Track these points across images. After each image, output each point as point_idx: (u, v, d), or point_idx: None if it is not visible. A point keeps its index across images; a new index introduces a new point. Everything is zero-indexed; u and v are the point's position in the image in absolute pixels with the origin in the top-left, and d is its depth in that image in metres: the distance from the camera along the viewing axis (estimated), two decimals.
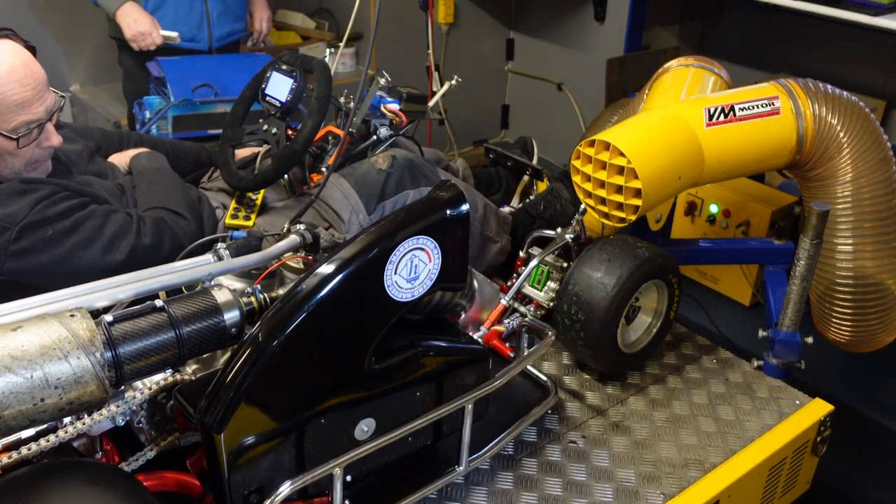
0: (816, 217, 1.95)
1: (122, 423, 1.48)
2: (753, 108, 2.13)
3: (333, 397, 1.43)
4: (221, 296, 1.40)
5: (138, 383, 1.46)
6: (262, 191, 2.04)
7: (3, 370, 1.12)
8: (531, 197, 2.50)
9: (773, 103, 2.15)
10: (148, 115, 2.55)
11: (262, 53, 3.07)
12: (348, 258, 1.36)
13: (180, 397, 1.42)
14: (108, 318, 1.28)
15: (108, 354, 1.24)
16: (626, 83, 3.96)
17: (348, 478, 1.49)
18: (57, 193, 1.69)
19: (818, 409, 1.98)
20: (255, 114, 2.15)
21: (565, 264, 2.06)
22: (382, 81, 2.19)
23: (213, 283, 1.51)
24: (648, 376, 2.09)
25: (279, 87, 2.03)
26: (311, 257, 1.67)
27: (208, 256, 1.57)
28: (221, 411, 1.31)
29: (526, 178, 2.58)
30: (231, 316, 1.39)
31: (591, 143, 2.01)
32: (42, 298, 1.36)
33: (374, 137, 2.17)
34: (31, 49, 1.79)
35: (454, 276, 1.53)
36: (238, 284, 1.61)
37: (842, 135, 2.15)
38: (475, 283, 1.85)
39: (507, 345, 1.96)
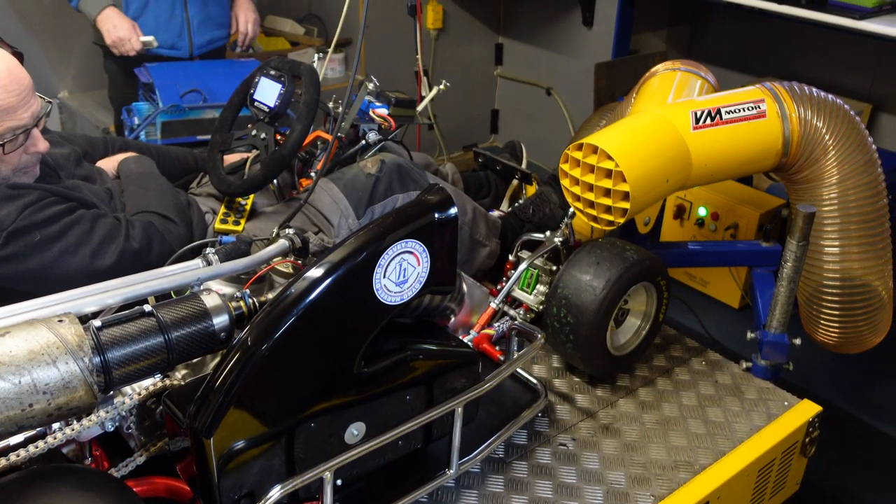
0: (802, 219, 1.96)
1: (112, 429, 1.47)
2: (739, 111, 2.14)
3: (323, 401, 1.43)
4: (210, 300, 1.40)
5: (127, 389, 1.45)
6: (251, 196, 2.04)
7: None
8: (520, 201, 2.51)
9: (759, 106, 2.16)
10: (137, 121, 2.55)
11: (251, 59, 3.08)
12: (337, 262, 1.36)
13: (170, 402, 1.42)
14: (97, 323, 1.28)
15: (97, 359, 1.24)
16: (615, 87, 3.98)
17: (339, 482, 1.49)
18: (45, 199, 1.69)
19: (807, 410, 1.99)
20: (244, 119, 2.15)
21: (554, 268, 2.07)
22: (371, 86, 2.20)
23: (201, 287, 1.50)
24: (638, 379, 2.10)
25: (268, 92, 2.03)
26: (300, 261, 1.67)
27: (197, 261, 1.57)
28: (211, 416, 1.31)
29: (515, 182, 2.59)
30: (220, 320, 1.39)
31: (580, 147, 2.02)
32: (30, 304, 1.36)
33: (363, 142, 2.18)
34: (18, 55, 1.80)
35: (443, 279, 1.54)
36: (227, 289, 1.61)
37: (827, 137, 2.17)
38: (464, 286, 1.86)
39: (497, 348, 1.96)
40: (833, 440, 2.24)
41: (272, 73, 2.04)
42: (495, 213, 2.43)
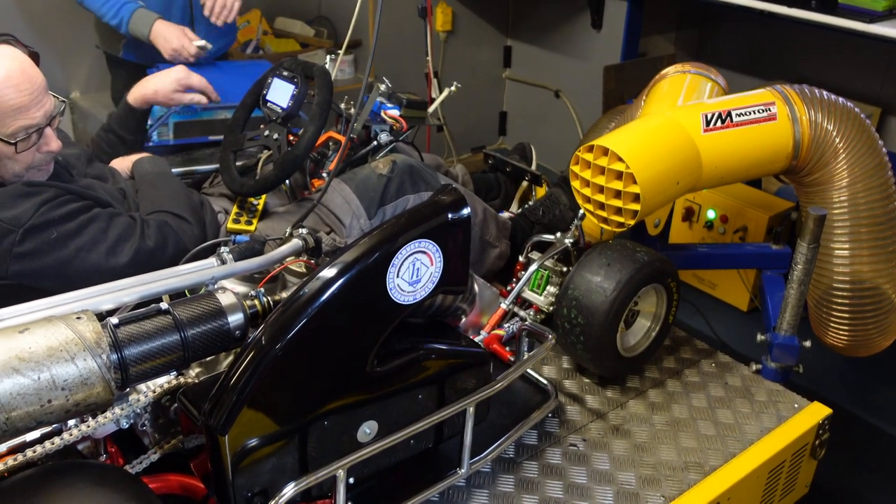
0: (813, 221, 1.97)
1: (127, 426, 1.49)
2: (750, 113, 2.15)
3: (336, 400, 1.44)
4: (225, 299, 1.41)
5: (142, 386, 1.46)
6: (263, 196, 2.06)
7: (10, 372, 1.13)
8: (530, 202, 2.52)
9: (769, 109, 2.17)
10: (149, 121, 2.56)
11: (262, 60, 3.09)
12: (351, 261, 1.37)
13: (185, 400, 1.43)
14: (114, 320, 1.29)
15: (114, 356, 1.25)
16: (623, 90, 3.99)
17: (351, 480, 1.50)
18: (61, 196, 1.70)
19: (817, 412, 1.99)
20: (256, 120, 2.17)
21: (565, 269, 2.08)
22: (383, 87, 2.21)
23: (216, 286, 1.51)
24: (648, 380, 2.11)
25: (280, 93, 2.04)
26: (313, 261, 1.68)
27: (212, 260, 1.58)
28: (226, 413, 1.32)
29: (524, 183, 2.60)
30: (235, 319, 1.40)
31: (590, 149, 2.03)
32: (47, 301, 1.37)
33: (375, 143, 2.19)
34: (34, 55, 1.80)
35: (456, 279, 1.55)
36: (241, 288, 1.62)
37: (838, 140, 2.17)
38: (475, 287, 1.87)
39: (507, 349, 1.97)
40: (841, 443, 2.24)
41: (285, 74, 2.05)
42: (505, 215, 2.44)
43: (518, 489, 1.74)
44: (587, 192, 2.06)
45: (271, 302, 1.49)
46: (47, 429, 1.38)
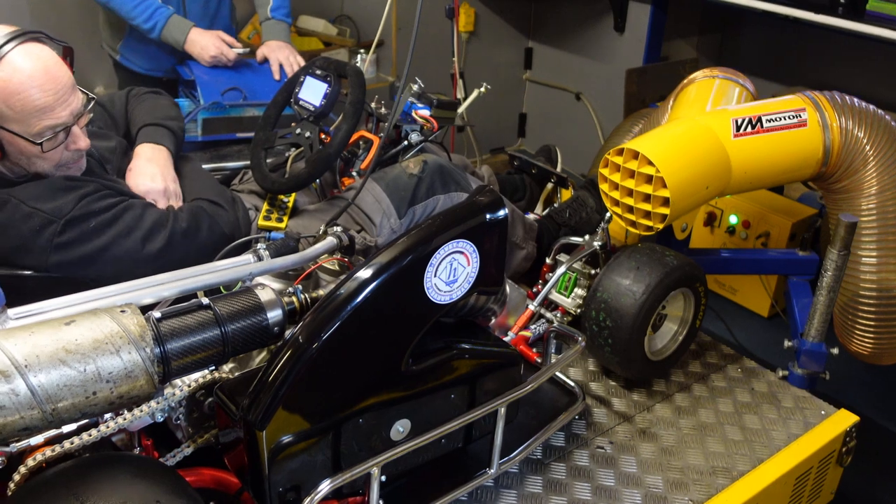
0: (845, 229, 1.97)
1: (161, 420, 1.50)
2: (781, 119, 2.15)
3: (372, 398, 1.45)
4: (264, 295, 1.42)
5: (177, 381, 1.47)
6: (293, 193, 2.06)
7: (57, 363, 1.14)
8: (555, 204, 2.52)
9: (800, 115, 2.16)
10: None
11: None
12: (390, 260, 1.38)
13: (222, 395, 1.44)
14: (157, 314, 1.30)
15: (157, 350, 1.26)
16: (645, 93, 3.99)
17: (383, 478, 1.51)
18: (100, 191, 1.73)
19: (844, 419, 1.99)
20: (285, 118, 2.18)
21: (593, 271, 2.08)
22: (415, 87, 2.21)
23: (254, 282, 1.53)
24: (674, 384, 2.11)
25: (313, 91, 2.05)
26: (347, 259, 1.69)
27: (248, 256, 1.59)
28: (264, 409, 1.33)
29: (549, 185, 2.60)
30: (274, 315, 1.41)
31: (620, 152, 2.03)
32: (88, 294, 1.38)
33: (405, 142, 2.19)
34: (68, 49, 1.80)
35: (491, 279, 1.55)
36: (275, 284, 1.63)
37: (868, 148, 2.17)
38: (506, 288, 1.87)
39: (533, 350, 1.98)
40: (864, 450, 2.23)
41: (318, 72, 2.06)
42: (531, 217, 2.44)
43: (546, 490, 1.75)
44: (616, 195, 2.06)
45: (308, 299, 1.50)
46: (83, 421, 1.39)
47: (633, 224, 2.05)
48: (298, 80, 2.10)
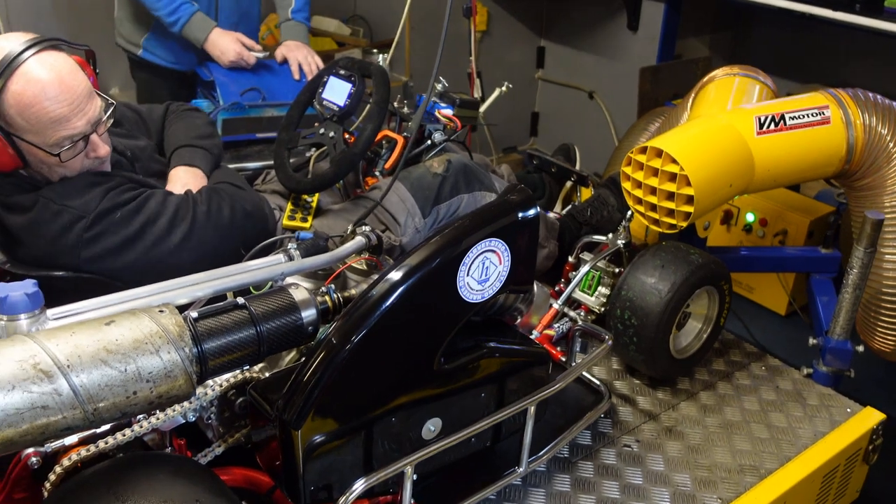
0: (871, 226, 1.96)
1: (193, 419, 1.50)
2: (804, 117, 2.15)
3: (405, 397, 1.45)
4: (299, 294, 1.42)
5: (209, 380, 1.48)
6: (317, 193, 2.07)
7: (99, 363, 1.14)
8: (574, 203, 2.52)
9: (823, 112, 2.16)
10: None
11: None
12: (424, 259, 1.38)
13: (255, 394, 1.44)
14: (194, 314, 1.30)
15: (195, 350, 1.26)
16: (659, 92, 3.98)
17: (414, 476, 1.51)
18: (124, 184, 1.74)
19: (870, 417, 1.98)
20: (307, 118, 2.18)
21: (617, 270, 2.08)
22: (439, 87, 2.22)
23: (286, 282, 1.53)
24: (698, 382, 2.10)
25: (337, 91, 2.05)
26: (376, 258, 1.69)
27: (280, 256, 1.59)
28: (299, 409, 1.33)
29: (568, 184, 2.60)
30: (308, 314, 1.41)
31: (643, 150, 2.03)
32: (124, 295, 1.38)
33: (429, 142, 2.20)
34: (90, 52, 1.80)
35: (521, 278, 1.55)
36: (306, 284, 1.63)
37: (892, 145, 2.17)
38: (533, 287, 1.87)
39: (557, 349, 1.98)
40: (886, 448, 2.23)
41: (342, 72, 2.06)
42: (552, 215, 2.44)
43: (574, 489, 1.75)
44: (639, 193, 2.06)
45: (341, 298, 1.50)
46: (121, 421, 1.40)
47: (657, 222, 2.05)
48: (322, 80, 2.10)
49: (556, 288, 2.19)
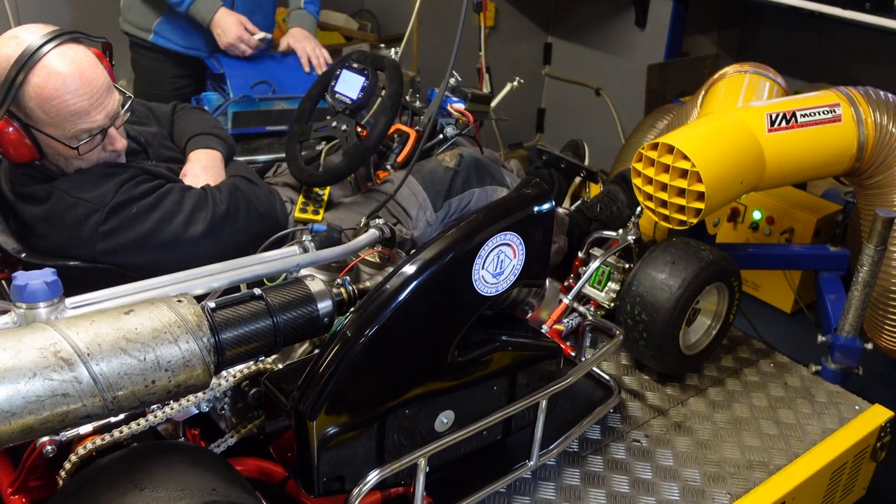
0: (882, 223, 1.97)
1: (207, 410, 1.51)
2: (815, 114, 2.15)
3: (418, 389, 1.46)
4: (315, 286, 1.42)
5: (223, 371, 1.48)
6: (328, 186, 2.07)
7: (118, 352, 1.15)
8: (583, 199, 2.52)
9: (834, 110, 2.16)
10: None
11: None
12: (440, 252, 1.39)
13: (270, 385, 1.45)
14: (211, 304, 1.31)
15: (213, 340, 1.27)
16: (666, 89, 3.98)
17: (427, 468, 1.52)
18: (138, 176, 1.74)
19: (878, 414, 1.99)
20: (319, 111, 2.18)
21: (627, 265, 2.08)
22: (452, 81, 2.22)
23: (301, 273, 1.53)
24: (707, 378, 2.11)
25: (350, 84, 2.06)
26: (389, 250, 1.70)
27: (294, 248, 1.59)
28: (314, 400, 1.34)
29: (577, 180, 2.60)
30: (324, 305, 1.42)
31: (655, 147, 2.03)
32: (142, 285, 1.39)
33: (441, 136, 2.20)
34: (107, 45, 1.80)
35: (535, 272, 1.56)
36: (319, 276, 1.64)
37: None
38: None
39: (567, 344, 1.98)
40: (894, 446, 2.24)
41: (355, 66, 2.07)
42: (561, 211, 2.44)
43: (584, 483, 1.76)
44: (650, 189, 2.06)
45: (356, 290, 1.50)
46: (137, 409, 1.40)
47: (667, 219, 2.06)
48: (334, 73, 2.11)
49: (566, 283, 2.20)
